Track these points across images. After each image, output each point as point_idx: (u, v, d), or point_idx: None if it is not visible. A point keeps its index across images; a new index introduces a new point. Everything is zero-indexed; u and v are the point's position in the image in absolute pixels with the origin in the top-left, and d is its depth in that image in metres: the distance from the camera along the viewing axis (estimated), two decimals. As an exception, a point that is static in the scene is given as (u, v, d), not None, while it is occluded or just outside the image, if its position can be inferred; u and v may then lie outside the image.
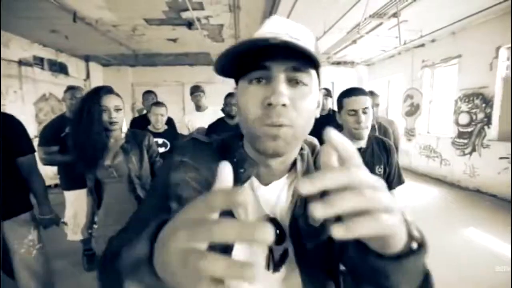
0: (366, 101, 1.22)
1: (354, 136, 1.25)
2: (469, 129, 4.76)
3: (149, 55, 6.61)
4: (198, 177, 0.48)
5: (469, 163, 4.77)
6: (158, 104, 2.33)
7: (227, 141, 0.53)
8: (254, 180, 0.49)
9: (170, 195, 0.48)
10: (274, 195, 0.49)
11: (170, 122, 2.93)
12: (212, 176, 0.40)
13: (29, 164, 1.42)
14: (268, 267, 0.47)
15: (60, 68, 6.17)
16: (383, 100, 7.68)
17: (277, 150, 0.43)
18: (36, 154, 1.52)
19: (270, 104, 0.40)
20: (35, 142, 1.71)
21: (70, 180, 2.25)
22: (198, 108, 2.94)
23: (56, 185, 5.06)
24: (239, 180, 0.46)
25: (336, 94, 2.61)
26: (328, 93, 3.08)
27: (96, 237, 1.37)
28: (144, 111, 3.16)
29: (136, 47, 5.87)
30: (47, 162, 2.15)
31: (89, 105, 1.21)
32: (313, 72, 0.44)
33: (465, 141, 4.85)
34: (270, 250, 0.47)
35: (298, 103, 0.42)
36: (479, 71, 4.49)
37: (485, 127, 4.46)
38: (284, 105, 0.40)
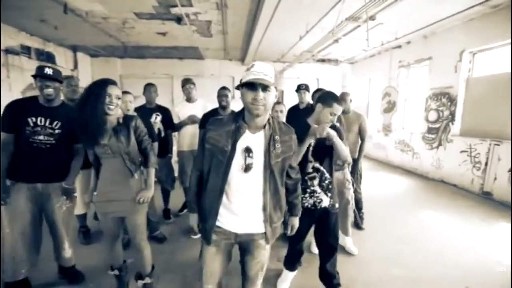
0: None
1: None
2: (437, 125, 5.22)
3: (138, 48, 6.69)
4: (215, 133, 1.15)
5: (436, 156, 5.24)
6: (125, 92, 2.44)
7: (236, 115, 1.19)
8: (247, 131, 1.15)
9: (205, 141, 1.17)
10: (257, 138, 1.15)
11: (166, 111, 3.04)
12: (222, 132, 1.16)
13: (79, 149, 1.88)
14: (243, 170, 1.13)
15: (47, 58, 6.17)
16: (364, 97, 8.11)
17: (259, 114, 1.09)
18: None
19: (256, 99, 1.06)
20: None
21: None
22: (189, 99, 3.16)
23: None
24: (240, 132, 1.13)
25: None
26: (306, 88, 3.25)
27: (96, 202, 1.62)
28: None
29: (125, 39, 5.96)
30: None
31: (98, 91, 1.48)
32: (273, 87, 1.10)
33: (433, 136, 5.31)
34: (245, 162, 1.13)
35: (266, 97, 1.08)
36: (445, 72, 4.92)
37: (450, 124, 4.91)
38: (261, 100, 1.07)
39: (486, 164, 4.18)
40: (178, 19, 4.62)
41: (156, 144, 2.62)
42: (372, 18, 3.91)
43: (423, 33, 5.20)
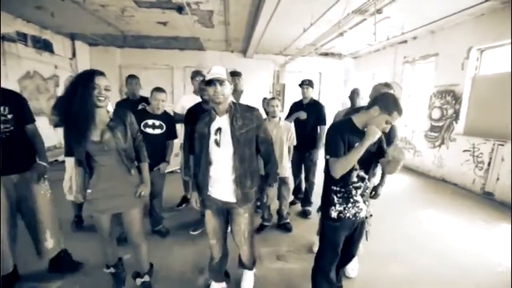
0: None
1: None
2: (440, 124, 5.14)
3: (138, 37, 6.54)
4: (199, 126, 1.59)
5: (437, 154, 5.19)
6: (160, 90, 2.43)
7: (210, 110, 1.59)
8: (217, 117, 1.55)
9: (196, 132, 1.60)
10: (223, 119, 1.54)
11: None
12: (203, 123, 1.60)
13: (33, 129, 1.83)
14: (216, 144, 1.53)
15: (44, 46, 6.04)
16: (367, 92, 7.98)
17: (220, 102, 1.49)
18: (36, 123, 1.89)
19: (216, 91, 1.46)
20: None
21: (70, 147, 2.41)
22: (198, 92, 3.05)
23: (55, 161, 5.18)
24: (212, 118, 1.56)
25: (323, 84, 2.82)
26: (309, 83, 3.19)
27: (90, 200, 1.56)
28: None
29: (124, 28, 5.81)
30: (56, 124, 2.32)
31: (85, 83, 1.37)
32: (226, 81, 1.48)
33: (436, 134, 5.25)
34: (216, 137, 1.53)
35: (224, 89, 1.48)
36: (452, 69, 4.82)
37: (454, 122, 4.84)
38: (220, 91, 1.48)
39: (489, 164, 4.13)
40: (179, 8, 4.48)
41: (176, 141, 2.60)
42: (379, 11, 3.79)
43: (431, 28, 5.07)
